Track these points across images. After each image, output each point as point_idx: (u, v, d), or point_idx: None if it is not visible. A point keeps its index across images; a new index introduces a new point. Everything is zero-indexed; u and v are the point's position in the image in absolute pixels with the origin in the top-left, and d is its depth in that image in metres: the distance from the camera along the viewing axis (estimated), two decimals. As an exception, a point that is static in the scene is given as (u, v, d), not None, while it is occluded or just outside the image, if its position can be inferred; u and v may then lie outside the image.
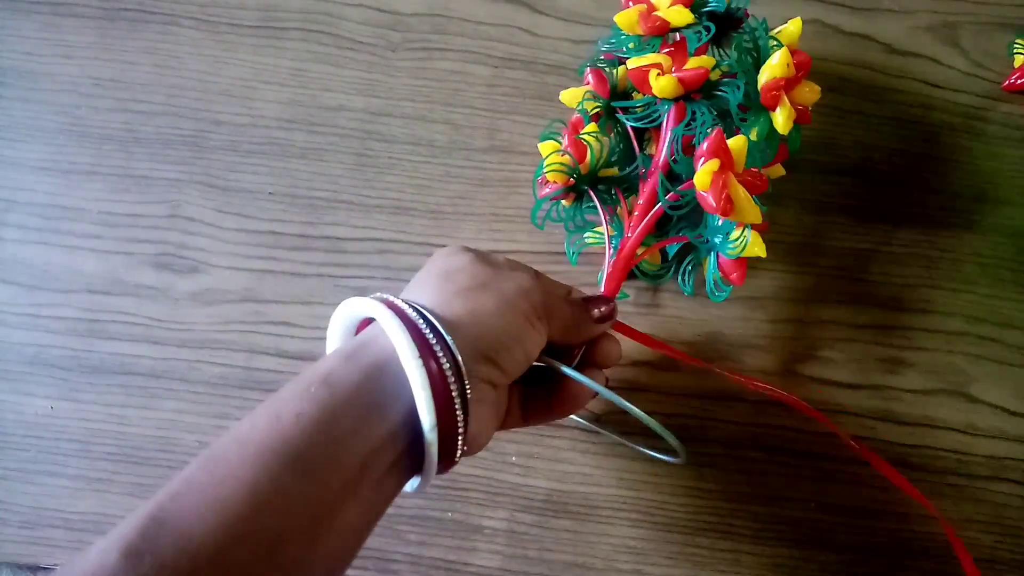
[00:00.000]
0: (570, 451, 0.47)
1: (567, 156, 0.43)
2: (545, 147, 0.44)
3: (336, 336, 0.34)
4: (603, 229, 0.43)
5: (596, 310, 0.38)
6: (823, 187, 0.50)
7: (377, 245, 0.50)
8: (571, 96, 0.46)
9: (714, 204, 0.37)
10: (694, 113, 0.40)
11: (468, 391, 0.30)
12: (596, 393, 0.37)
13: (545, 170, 0.43)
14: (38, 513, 0.47)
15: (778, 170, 0.46)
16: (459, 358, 0.30)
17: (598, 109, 0.45)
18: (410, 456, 0.31)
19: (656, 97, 0.41)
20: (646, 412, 0.36)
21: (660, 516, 0.46)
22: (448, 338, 0.30)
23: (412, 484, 0.32)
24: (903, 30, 0.52)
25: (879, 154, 0.50)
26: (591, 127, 0.44)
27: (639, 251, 0.42)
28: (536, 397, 0.38)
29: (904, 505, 0.46)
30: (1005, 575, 0.45)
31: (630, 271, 0.45)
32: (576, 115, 0.46)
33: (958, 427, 0.47)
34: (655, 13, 0.41)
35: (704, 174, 0.37)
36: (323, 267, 0.49)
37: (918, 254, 0.49)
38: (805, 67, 0.40)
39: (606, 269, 0.42)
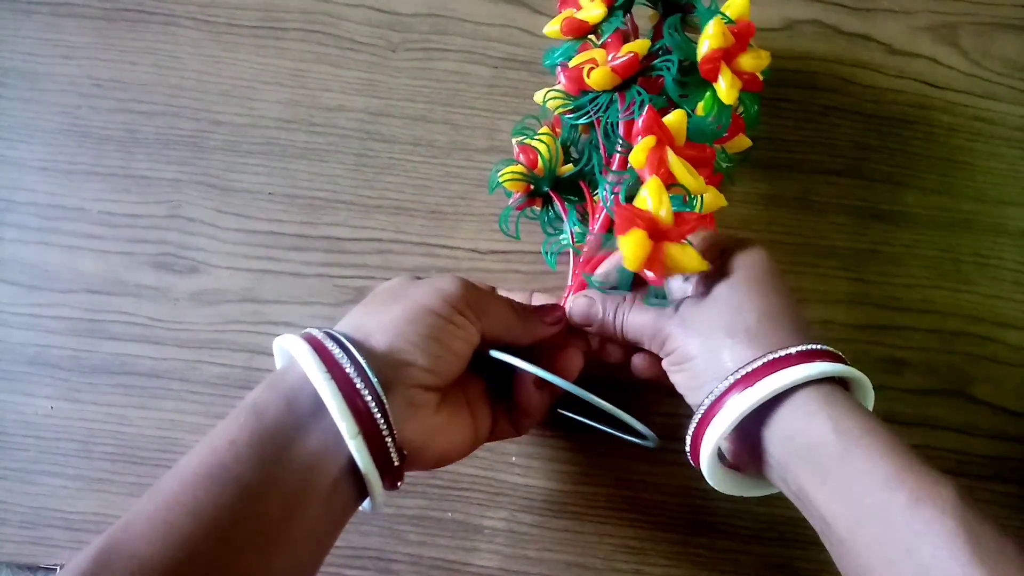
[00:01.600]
0: (570, 451, 0.47)
1: (519, 164, 0.43)
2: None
3: (276, 355, 0.36)
4: (579, 228, 0.43)
5: (546, 317, 0.40)
6: (823, 187, 0.50)
7: (377, 245, 0.50)
8: (544, 95, 0.46)
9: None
10: (635, 99, 0.40)
11: (384, 397, 0.31)
12: (549, 404, 0.39)
13: (500, 182, 0.43)
14: (38, 513, 0.47)
15: (743, 141, 0.45)
16: (365, 367, 0.32)
17: (568, 107, 0.44)
18: (355, 472, 0.32)
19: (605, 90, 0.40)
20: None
21: (660, 516, 0.46)
22: (353, 350, 0.32)
23: (366, 503, 0.34)
24: (903, 30, 0.52)
25: (879, 154, 0.50)
26: (543, 130, 0.44)
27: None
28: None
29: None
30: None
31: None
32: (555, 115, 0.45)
33: (958, 427, 0.47)
34: (574, 16, 0.41)
35: (638, 152, 0.36)
36: (323, 267, 0.49)
37: (918, 254, 0.49)
38: (747, 35, 0.40)
39: (571, 267, 0.42)
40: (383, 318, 0.34)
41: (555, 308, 0.40)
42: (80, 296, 0.49)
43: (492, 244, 0.49)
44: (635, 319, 0.38)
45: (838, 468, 0.30)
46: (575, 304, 0.40)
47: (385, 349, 0.33)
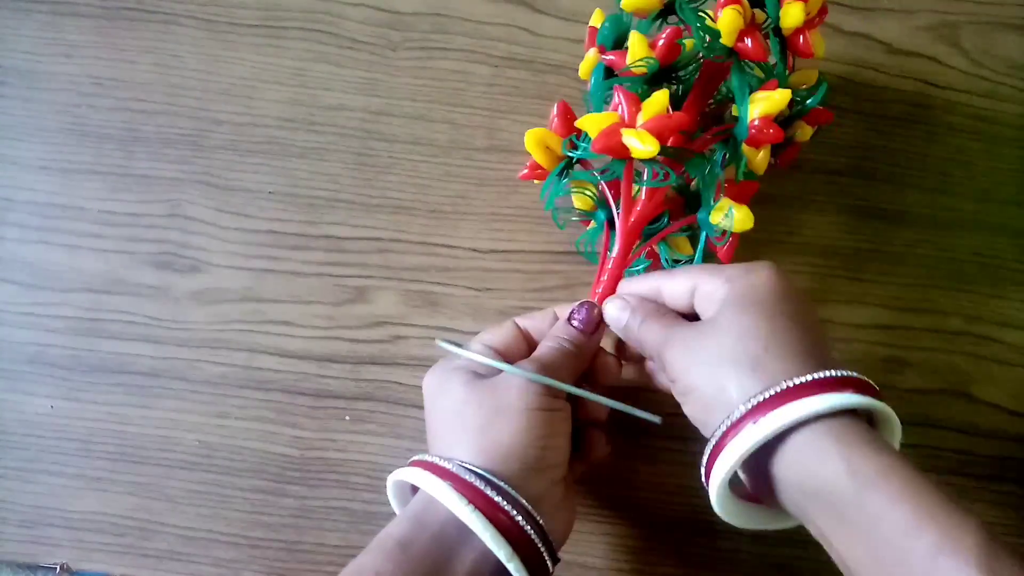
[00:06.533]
0: (570, 451, 0.47)
1: (592, 192, 0.44)
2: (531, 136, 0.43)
3: (394, 496, 0.39)
4: (591, 192, 0.45)
5: (575, 320, 0.39)
6: (823, 187, 0.50)
7: (377, 244, 0.50)
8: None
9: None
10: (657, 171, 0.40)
11: (538, 517, 0.34)
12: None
13: (572, 191, 0.45)
14: (38, 512, 0.47)
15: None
16: (520, 498, 0.33)
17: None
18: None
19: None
20: (650, 411, 0.38)
21: (660, 516, 0.46)
22: (506, 487, 0.33)
23: None
24: (903, 30, 0.52)
25: (879, 154, 0.50)
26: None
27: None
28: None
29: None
30: (1005, 575, 0.45)
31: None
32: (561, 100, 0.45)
33: (958, 427, 0.47)
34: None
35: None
36: (323, 266, 0.49)
37: (918, 254, 0.49)
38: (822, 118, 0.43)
39: (598, 273, 0.42)
40: (501, 436, 0.35)
41: (582, 308, 0.40)
42: (80, 295, 0.49)
43: (492, 243, 0.49)
44: (647, 331, 0.37)
45: (854, 513, 0.28)
46: (607, 306, 0.39)
47: (518, 470, 0.34)
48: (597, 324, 0.39)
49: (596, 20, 0.43)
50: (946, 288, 0.49)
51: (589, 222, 0.46)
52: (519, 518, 0.33)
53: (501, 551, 0.32)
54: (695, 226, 0.43)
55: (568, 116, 0.43)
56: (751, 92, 0.39)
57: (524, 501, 0.33)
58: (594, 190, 0.45)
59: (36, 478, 0.47)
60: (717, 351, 0.33)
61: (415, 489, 0.36)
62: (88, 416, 0.48)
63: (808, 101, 0.42)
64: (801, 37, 0.41)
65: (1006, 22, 0.52)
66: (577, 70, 0.51)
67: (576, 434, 0.39)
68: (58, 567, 0.46)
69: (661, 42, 0.40)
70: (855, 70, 0.51)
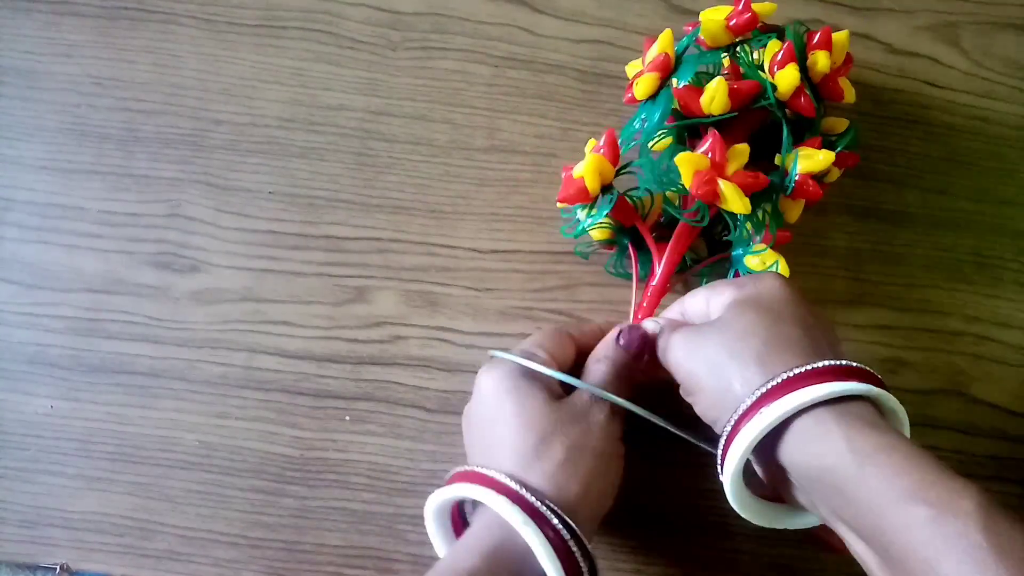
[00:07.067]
0: (570, 451, 0.47)
1: (608, 221, 0.45)
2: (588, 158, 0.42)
3: (432, 513, 0.37)
4: (607, 223, 0.45)
5: (622, 340, 0.39)
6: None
7: (377, 244, 0.50)
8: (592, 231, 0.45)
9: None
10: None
11: (592, 554, 0.34)
12: None
13: (590, 231, 0.45)
14: (38, 512, 0.47)
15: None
16: (587, 544, 0.34)
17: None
18: None
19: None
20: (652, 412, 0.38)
21: (660, 516, 0.46)
22: (578, 532, 0.34)
23: None
24: (903, 30, 0.52)
25: (879, 154, 0.50)
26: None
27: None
28: None
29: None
30: (1004, 575, 0.45)
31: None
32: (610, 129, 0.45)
33: (958, 427, 0.47)
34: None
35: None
36: (323, 266, 0.49)
37: (918, 254, 0.49)
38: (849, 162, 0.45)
39: (634, 305, 0.43)
40: (579, 475, 0.35)
41: (630, 331, 0.40)
42: (80, 295, 0.49)
43: (492, 243, 0.49)
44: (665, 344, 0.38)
45: (856, 489, 0.29)
46: (643, 326, 0.40)
47: (588, 509, 0.35)
48: (641, 347, 0.39)
49: (665, 44, 0.43)
50: (945, 288, 0.49)
51: (612, 247, 0.47)
52: (583, 565, 0.34)
53: None
54: (717, 231, 0.45)
55: (616, 147, 0.42)
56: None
57: (590, 550, 0.34)
58: (609, 220, 0.45)
59: (36, 478, 0.47)
60: (719, 348, 0.34)
61: (458, 508, 0.38)
62: (88, 416, 0.48)
63: (838, 148, 0.43)
64: (832, 83, 0.43)
65: (1006, 22, 0.52)
66: (577, 70, 0.52)
67: None
68: (58, 567, 0.46)
69: (736, 87, 0.41)
70: (855, 70, 0.51)
